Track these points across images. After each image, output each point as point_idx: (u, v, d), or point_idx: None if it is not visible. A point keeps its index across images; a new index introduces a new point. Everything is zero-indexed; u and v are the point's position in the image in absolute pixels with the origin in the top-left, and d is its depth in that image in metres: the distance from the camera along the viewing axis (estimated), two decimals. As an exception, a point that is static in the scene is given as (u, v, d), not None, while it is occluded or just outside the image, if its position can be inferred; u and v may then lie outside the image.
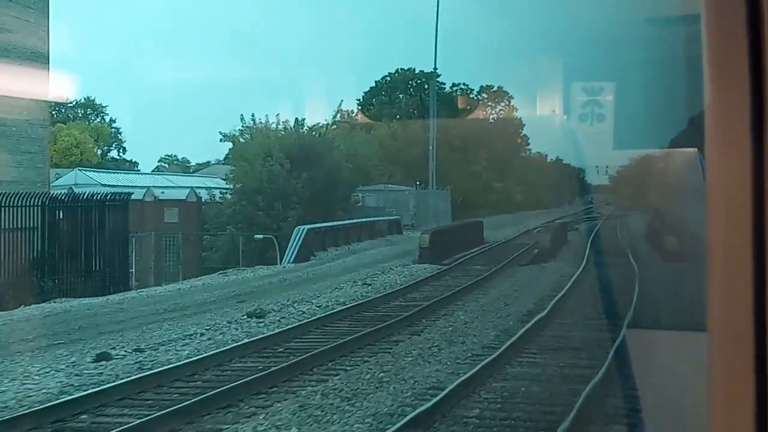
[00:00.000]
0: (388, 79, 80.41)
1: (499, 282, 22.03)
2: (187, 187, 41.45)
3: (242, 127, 44.85)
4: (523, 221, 49.08)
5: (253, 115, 44.21)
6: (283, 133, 43.20)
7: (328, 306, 17.24)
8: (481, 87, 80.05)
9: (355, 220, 37.09)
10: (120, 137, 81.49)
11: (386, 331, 14.33)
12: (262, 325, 15.03)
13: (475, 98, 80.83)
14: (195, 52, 79.64)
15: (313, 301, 17.98)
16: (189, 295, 19.51)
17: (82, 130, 74.82)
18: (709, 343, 1.43)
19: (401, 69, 78.03)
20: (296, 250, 27.54)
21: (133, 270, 28.51)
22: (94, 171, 45.77)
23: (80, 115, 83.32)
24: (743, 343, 1.38)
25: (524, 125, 76.32)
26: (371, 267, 24.98)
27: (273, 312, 16.34)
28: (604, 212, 48.70)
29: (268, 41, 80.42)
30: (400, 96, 78.55)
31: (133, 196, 40.92)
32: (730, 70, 1.41)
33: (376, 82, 79.37)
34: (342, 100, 47.38)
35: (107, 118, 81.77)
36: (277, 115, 43.93)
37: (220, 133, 44.12)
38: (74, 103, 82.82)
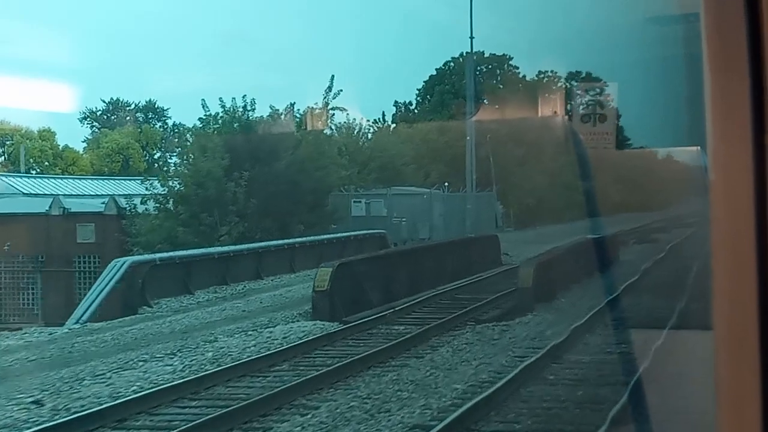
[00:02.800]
0: (452, 65, 70.07)
1: (365, 381, 10.49)
2: (106, 195, 30.93)
3: (205, 115, 33.89)
4: (604, 227, 37.54)
5: (221, 100, 32.99)
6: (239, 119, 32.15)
7: None
8: (569, 74, 68.52)
9: (292, 240, 25.73)
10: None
11: None
12: None
13: (563, 87, 69.60)
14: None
15: None
16: None
17: (127, 134, 67.04)
18: (714, 340, 1.43)
19: (466, 53, 67.14)
20: (102, 298, 16.18)
21: None
22: (16, 176, 35.98)
23: (140, 119, 75.98)
24: (748, 340, 1.38)
25: (620, 116, 64.36)
26: (173, 340, 13.50)
27: None
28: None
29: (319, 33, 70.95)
30: (465, 84, 67.88)
31: (36, 209, 30.94)
32: (730, 66, 1.41)
33: (436, 69, 69.44)
34: (333, 75, 35.74)
35: (170, 122, 73.74)
36: (244, 96, 32.74)
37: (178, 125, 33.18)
38: (133, 106, 75.23)
